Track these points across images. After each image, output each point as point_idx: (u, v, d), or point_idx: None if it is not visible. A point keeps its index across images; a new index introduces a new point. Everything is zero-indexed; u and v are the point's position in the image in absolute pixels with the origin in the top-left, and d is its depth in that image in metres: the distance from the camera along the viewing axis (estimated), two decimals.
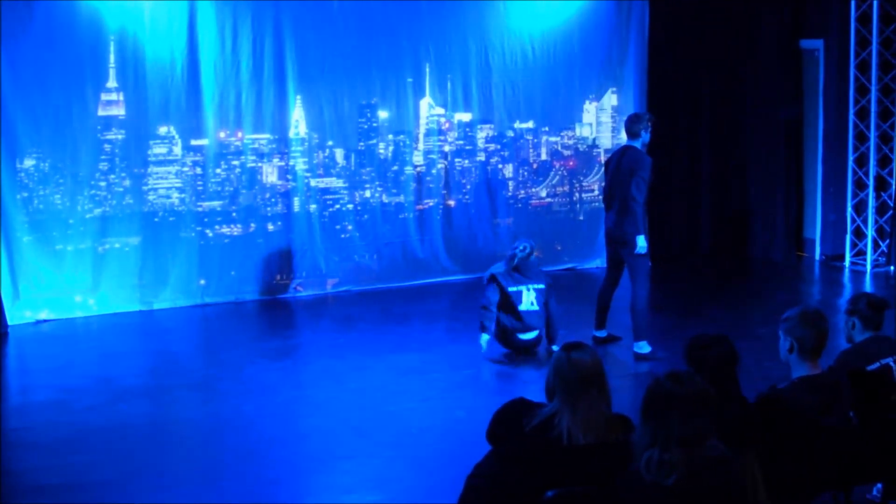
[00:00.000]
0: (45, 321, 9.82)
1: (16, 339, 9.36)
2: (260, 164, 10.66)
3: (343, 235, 11.03)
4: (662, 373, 3.74)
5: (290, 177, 10.77)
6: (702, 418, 3.58)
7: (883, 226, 11.77)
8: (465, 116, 11.49)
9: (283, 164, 10.75)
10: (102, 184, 10.03)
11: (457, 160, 11.51)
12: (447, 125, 11.42)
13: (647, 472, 3.56)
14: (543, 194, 11.94)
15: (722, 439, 3.64)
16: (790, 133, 12.33)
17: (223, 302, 10.51)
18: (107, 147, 10.01)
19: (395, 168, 11.22)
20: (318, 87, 10.77)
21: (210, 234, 10.48)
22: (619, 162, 8.56)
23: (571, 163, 12.05)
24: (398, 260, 11.27)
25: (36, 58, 9.56)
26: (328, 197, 10.96)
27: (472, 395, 7.74)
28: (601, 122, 12.11)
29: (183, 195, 10.35)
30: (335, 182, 11.00)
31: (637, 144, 8.53)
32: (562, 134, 11.96)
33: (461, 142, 11.52)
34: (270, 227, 10.74)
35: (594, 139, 12.12)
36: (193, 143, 10.35)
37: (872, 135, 11.61)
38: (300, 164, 10.78)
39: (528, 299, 8.46)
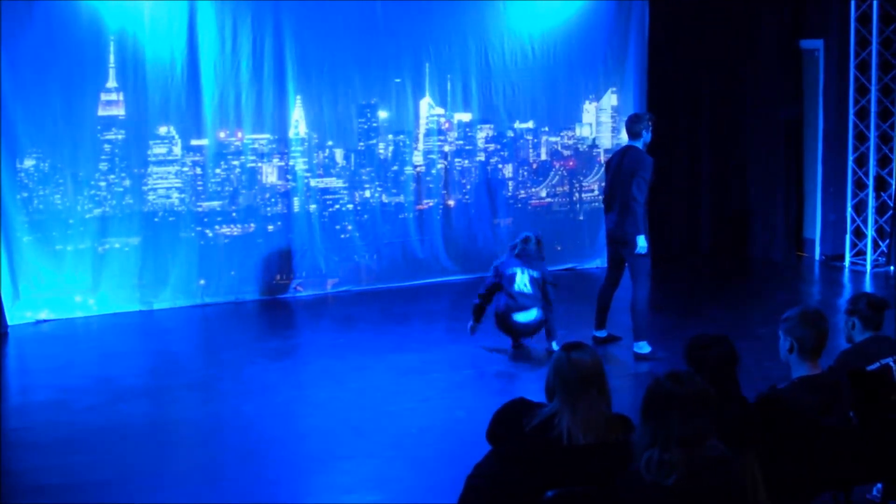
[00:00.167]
0: (45, 321, 9.82)
1: (16, 339, 9.36)
2: (260, 164, 10.66)
3: (343, 235, 11.03)
4: (662, 373, 3.74)
5: (289, 177, 10.77)
6: (702, 418, 3.58)
7: (883, 226, 11.77)
8: (465, 116, 11.49)
9: (282, 164, 10.75)
10: (102, 184, 10.03)
11: (457, 160, 11.52)
12: (447, 125, 11.42)
13: (647, 472, 3.56)
14: (543, 194, 11.95)
15: (722, 439, 3.64)
16: (790, 133, 12.34)
17: (223, 302, 10.51)
18: (107, 147, 10.01)
19: (395, 168, 11.22)
20: (318, 87, 10.78)
21: (210, 234, 10.49)
22: (621, 162, 8.56)
23: (571, 163, 12.05)
24: (398, 260, 11.27)
25: (36, 58, 9.56)
26: (328, 197, 10.96)
27: (472, 395, 7.74)
28: (601, 122, 12.12)
29: (183, 195, 10.35)
30: (335, 182, 11.00)
31: (638, 144, 8.53)
32: (562, 134, 11.96)
33: (461, 142, 11.53)
34: (270, 227, 10.74)
35: (594, 139, 12.12)
36: (193, 143, 10.35)
37: (872, 135, 11.61)
38: (300, 164, 10.78)
39: (522, 281, 8.53)
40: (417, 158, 11.33)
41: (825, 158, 12.17)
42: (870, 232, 11.73)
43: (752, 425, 4.32)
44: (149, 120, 10.12)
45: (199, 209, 10.43)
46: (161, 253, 10.28)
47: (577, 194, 12.10)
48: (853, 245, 11.95)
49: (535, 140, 11.85)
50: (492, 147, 11.66)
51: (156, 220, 10.28)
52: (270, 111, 10.60)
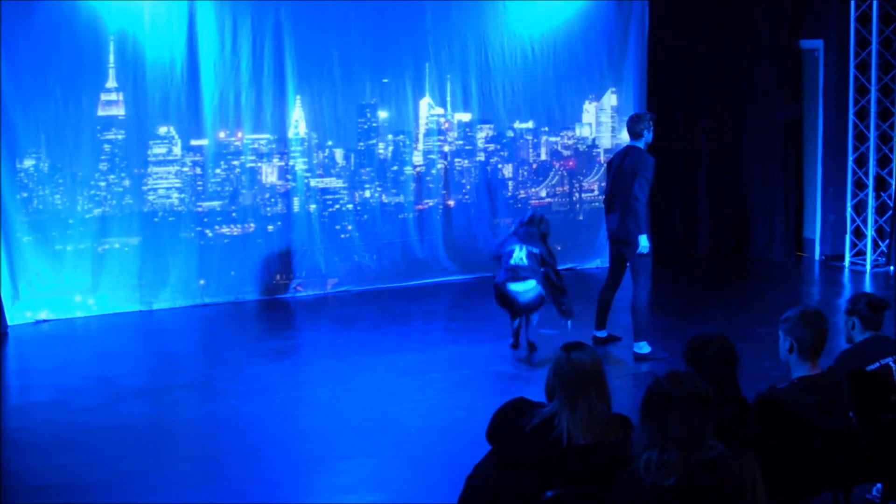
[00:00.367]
0: (44, 321, 9.82)
1: (16, 339, 9.36)
2: (259, 165, 10.66)
3: (343, 235, 11.03)
4: (662, 373, 3.74)
5: (289, 177, 10.77)
6: (701, 419, 3.58)
7: (882, 226, 11.77)
8: (465, 116, 11.49)
9: (282, 164, 10.75)
10: (102, 184, 10.03)
11: (456, 160, 11.52)
12: (447, 125, 11.42)
13: (646, 472, 3.56)
14: (543, 194, 11.95)
15: (718, 439, 3.64)
16: (790, 133, 12.34)
17: (223, 302, 10.51)
18: (106, 147, 10.01)
19: (395, 168, 11.22)
20: (317, 87, 10.77)
21: (210, 234, 10.48)
22: (622, 162, 8.55)
23: (571, 163, 12.05)
24: (398, 260, 11.27)
25: (36, 58, 9.56)
26: (328, 197, 10.96)
27: (472, 395, 7.74)
28: (601, 122, 12.12)
29: (183, 195, 10.35)
30: (335, 182, 11.00)
31: (640, 144, 8.53)
32: (561, 134, 11.96)
33: (461, 142, 11.52)
34: (270, 227, 10.74)
35: (594, 139, 12.12)
36: (193, 143, 10.35)
37: (872, 135, 11.61)
38: (300, 164, 10.78)
39: (519, 256, 8.54)
40: (417, 158, 11.33)
41: (825, 158, 12.17)
42: (869, 232, 11.73)
43: (746, 426, 4.33)
44: (149, 120, 10.12)
45: (199, 209, 10.42)
46: (161, 253, 10.27)
47: (576, 194, 12.10)
48: (853, 245, 11.95)
49: (535, 140, 11.85)
50: (492, 147, 11.66)
51: (156, 220, 10.27)
52: (270, 111, 10.60)
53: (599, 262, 11.68)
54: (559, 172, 11.97)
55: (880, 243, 11.81)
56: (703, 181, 12.74)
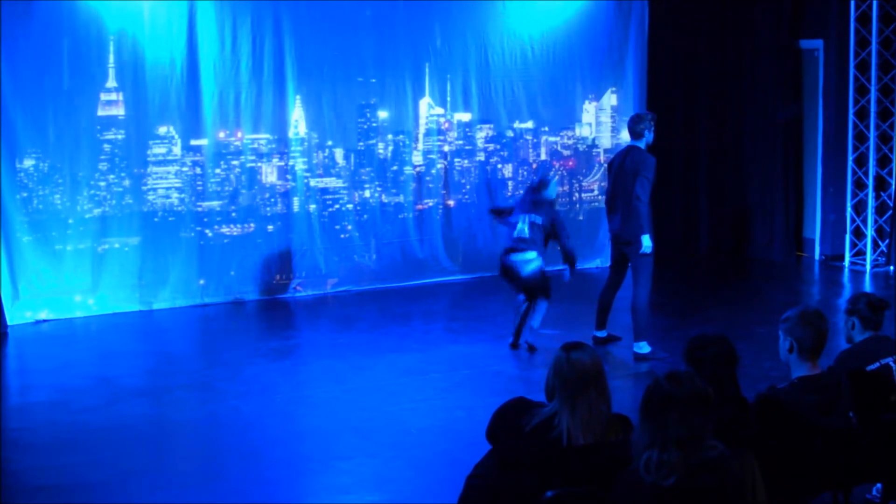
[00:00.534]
0: (44, 321, 9.82)
1: (16, 339, 9.36)
2: (259, 164, 10.66)
3: (343, 235, 11.03)
4: (662, 373, 3.74)
5: (289, 177, 10.77)
6: (700, 419, 3.58)
7: (882, 226, 11.78)
8: (465, 116, 11.49)
9: (282, 164, 10.75)
10: (102, 184, 10.03)
11: (456, 160, 11.52)
12: (447, 125, 11.42)
13: (646, 472, 3.56)
14: None
15: (718, 439, 3.64)
16: (790, 133, 12.34)
17: (223, 302, 10.51)
18: (106, 147, 10.01)
19: (395, 168, 11.22)
20: (317, 87, 10.78)
21: (210, 234, 10.48)
22: (623, 163, 8.55)
23: (571, 163, 12.05)
24: (398, 260, 11.27)
25: (36, 58, 9.56)
26: (328, 197, 10.96)
27: (472, 395, 7.73)
28: (601, 122, 12.12)
29: (182, 195, 10.35)
30: (335, 182, 11.00)
31: (640, 144, 8.53)
32: (561, 134, 11.96)
33: (461, 142, 11.52)
34: (270, 227, 10.74)
35: (594, 139, 12.13)
36: (193, 143, 10.35)
37: (872, 135, 11.62)
38: (300, 164, 10.77)
39: (522, 228, 8.69)
40: (417, 158, 11.33)
41: (825, 158, 12.17)
42: (869, 232, 11.73)
43: (747, 425, 4.33)
44: (148, 120, 10.12)
45: (199, 209, 10.42)
46: (161, 253, 10.27)
47: (576, 194, 12.10)
48: (853, 245, 11.95)
49: (535, 140, 11.85)
50: (491, 147, 11.66)
51: (155, 219, 10.27)
52: (270, 111, 10.60)
53: (599, 261, 11.68)
54: (559, 172, 11.95)
55: (880, 243, 11.81)
56: (703, 181, 12.75)
